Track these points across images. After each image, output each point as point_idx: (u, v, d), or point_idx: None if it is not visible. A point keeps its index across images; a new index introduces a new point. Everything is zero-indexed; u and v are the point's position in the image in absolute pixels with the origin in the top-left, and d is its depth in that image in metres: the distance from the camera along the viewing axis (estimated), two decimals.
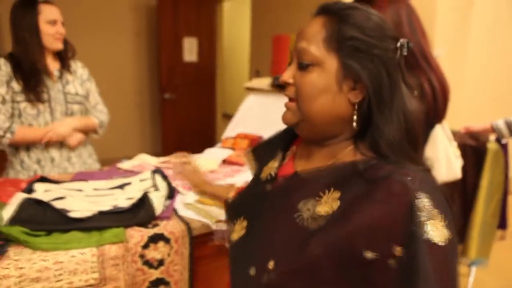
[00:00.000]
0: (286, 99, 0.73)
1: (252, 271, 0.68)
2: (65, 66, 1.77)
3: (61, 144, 1.73)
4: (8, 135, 1.61)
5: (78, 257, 1.00)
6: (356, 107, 0.65)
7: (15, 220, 1.05)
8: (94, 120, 1.83)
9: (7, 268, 0.93)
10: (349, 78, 0.64)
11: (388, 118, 0.64)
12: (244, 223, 0.77)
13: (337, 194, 0.63)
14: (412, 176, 0.58)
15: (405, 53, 0.66)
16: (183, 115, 4.24)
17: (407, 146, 0.65)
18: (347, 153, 0.68)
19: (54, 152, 1.72)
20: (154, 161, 1.82)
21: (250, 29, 4.05)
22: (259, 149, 0.98)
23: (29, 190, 1.22)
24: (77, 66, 1.86)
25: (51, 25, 1.67)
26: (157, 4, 3.93)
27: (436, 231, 0.54)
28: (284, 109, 0.73)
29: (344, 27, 0.64)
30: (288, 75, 0.70)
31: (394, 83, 0.64)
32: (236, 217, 0.80)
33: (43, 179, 1.32)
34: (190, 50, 4.25)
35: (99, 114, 1.89)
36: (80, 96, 1.80)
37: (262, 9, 3.84)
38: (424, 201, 0.56)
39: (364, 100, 0.65)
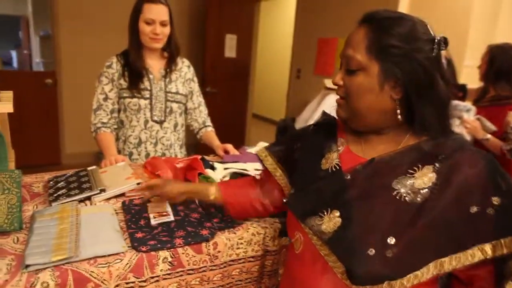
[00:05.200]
0: None
1: (371, 252, 0.72)
2: (170, 65, 1.74)
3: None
4: (96, 131, 1.66)
5: None
6: (397, 102, 0.77)
7: None
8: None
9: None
10: (390, 79, 0.75)
11: (428, 108, 0.75)
12: (336, 213, 0.79)
13: (429, 168, 0.74)
14: (472, 148, 0.76)
15: (443, 49, 0.75)
16: (222, 109, 4.44)
17: (445, 124, 0.78)
18: (408, 138, 0.80)
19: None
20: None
21: (293, 29, 4.26)
22: (285, 149, 1.02)
23: (212, 167, 1.52)
24: (183, 65, 1.81)
25: (147, 25, 1.61)
26: (205, 4, 4.17)
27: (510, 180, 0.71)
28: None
29: (382, 36, 0.74)
30: (339, 78, 0.82)
31: (431, 78, 0.74)
32: (321, 209, 0.81)
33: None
34: (230, 46, 4.46)
35: (199, 116, 1.87)
36: (180, 95, 1.76)
37: (307, 12, 4.04)
38: (495, 162, 0.72)
39: (405, 96, 0.76)
